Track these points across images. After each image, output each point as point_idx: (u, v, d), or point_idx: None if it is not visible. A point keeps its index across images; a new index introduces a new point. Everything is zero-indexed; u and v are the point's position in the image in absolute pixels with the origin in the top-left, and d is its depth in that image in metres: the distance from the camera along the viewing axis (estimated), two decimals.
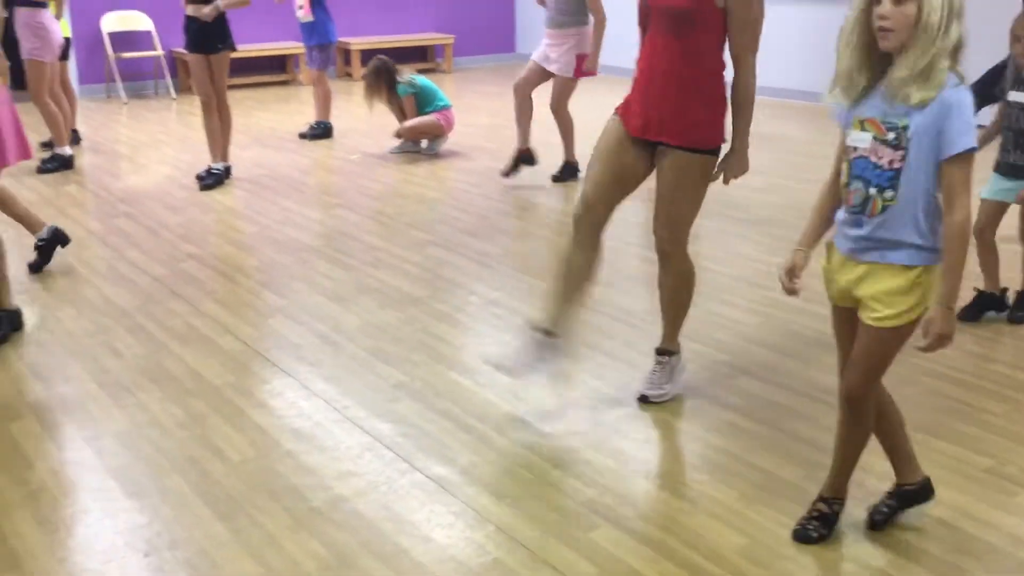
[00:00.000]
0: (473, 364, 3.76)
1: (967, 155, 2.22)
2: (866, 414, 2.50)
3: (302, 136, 8.07)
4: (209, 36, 6.30)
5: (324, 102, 7.98)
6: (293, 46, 10.62)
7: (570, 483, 2.95)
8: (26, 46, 6.54)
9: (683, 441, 3.22)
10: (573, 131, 6.50)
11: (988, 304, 4.13)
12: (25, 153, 3.83)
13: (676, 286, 3.39)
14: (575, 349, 3.62)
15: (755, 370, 3.67)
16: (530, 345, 3.34)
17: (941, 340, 2.29)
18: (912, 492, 2.66)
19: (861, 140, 2.32)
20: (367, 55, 10.96)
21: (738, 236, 5.32)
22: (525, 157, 6.53)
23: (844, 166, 2.39)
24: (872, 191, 2.31)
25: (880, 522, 2.64)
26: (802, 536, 2.61)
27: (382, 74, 7.37)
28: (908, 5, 2.18)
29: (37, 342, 4.00)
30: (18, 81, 6.33)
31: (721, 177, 3.28)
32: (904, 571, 2.51)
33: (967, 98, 2.22)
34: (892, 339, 2.38)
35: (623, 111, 3.27)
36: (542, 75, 6.39)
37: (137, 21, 10.24)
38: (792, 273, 2.51)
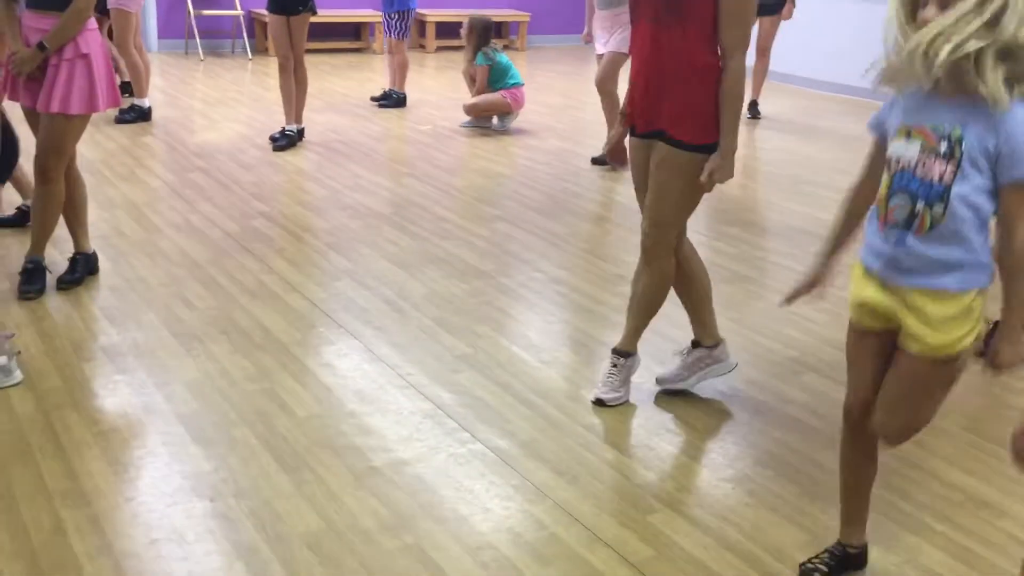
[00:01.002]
0: (536, 340, 3.77)
1: None
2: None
3: (374, 100, 8.12)
4: None
5: (400, 71, 8.01)
6: (369, 14, 10.67)
7: (629, 466, 2.95)
8: None
9: (745, 433, 3.20)
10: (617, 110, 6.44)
11: None
12: (115, 100, 3.92)
13: (651, 285, 3.23)
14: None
15: (822, 367, 3.63)
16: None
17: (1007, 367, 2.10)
18: (855, 556, 2.47)
19: (906, 151, 2.07)
20: (442, 28, 11.02)
21: (812, 234, 5.24)
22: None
23: (884, 179, 2.13)
24: (920, 206, 2.06)
25: None
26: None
27: (476, 33, 7.34)
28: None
29: (111, 287, 4.08)
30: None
31: (705, 179, 3.03)
32: None
33: None
34: (943, 371, 2.15)
35: (630, 110, 3.16)
36: None
37: None
38: (813, 286, 2.33)
